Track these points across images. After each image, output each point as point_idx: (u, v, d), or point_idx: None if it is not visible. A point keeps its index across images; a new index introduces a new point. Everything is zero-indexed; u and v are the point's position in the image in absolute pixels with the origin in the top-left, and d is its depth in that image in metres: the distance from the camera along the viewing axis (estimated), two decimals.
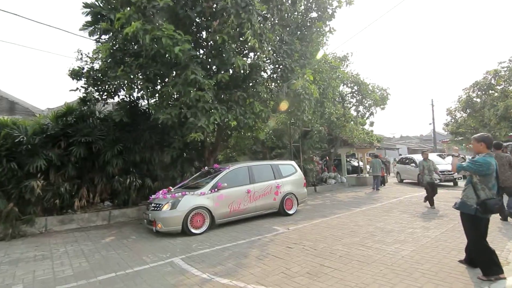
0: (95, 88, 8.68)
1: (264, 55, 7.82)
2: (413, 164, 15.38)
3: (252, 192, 7.41)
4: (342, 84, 15.40)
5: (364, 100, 15.37)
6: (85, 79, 8.60)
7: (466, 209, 3.70)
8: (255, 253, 4.90)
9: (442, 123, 26.76)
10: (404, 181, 16.45)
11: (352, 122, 16.94)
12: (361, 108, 15.36)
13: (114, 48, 7.68)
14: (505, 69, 12.86)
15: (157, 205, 6.42)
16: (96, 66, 8.88)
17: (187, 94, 6.61)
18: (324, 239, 5.61)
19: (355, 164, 21.00)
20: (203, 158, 10.47)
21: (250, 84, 8.71)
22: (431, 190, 8.56)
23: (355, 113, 15.52)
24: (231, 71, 8.01)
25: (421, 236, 5.50)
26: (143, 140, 8.46)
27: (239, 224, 7.22)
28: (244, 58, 7.60)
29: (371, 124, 19.22)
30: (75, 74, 8.69)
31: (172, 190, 7.05)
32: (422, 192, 12.03)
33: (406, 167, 16.04)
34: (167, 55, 6.59)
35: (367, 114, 15.37)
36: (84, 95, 8.43)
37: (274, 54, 8.63)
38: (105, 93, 9.11)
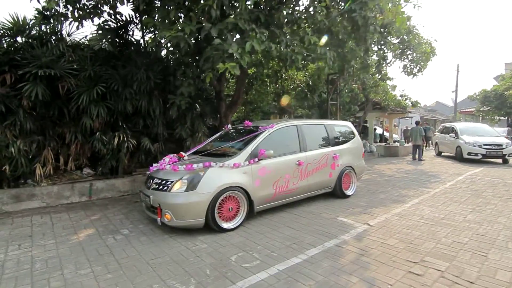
0: None
1: None
2: (453, 135, 12.52)
3: (304, 164, 4.92)
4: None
5: (409, 52, 12.36)
6: None
7: None
8: None
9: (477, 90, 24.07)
10: (442, 154, 14.04)
11: (386, 81, 14.20)
12: (407, 62, 12.42)
13: None
14: None
15: (163, 182, 3.89)
16: None
17: None
18: (456, 252, 3.26)
19: (379, 131, 18.62)
20: (217, 115, 7.82)
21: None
22: None
23: (400, 69, 12.53)
24: None
25: None
26: (138, 81, 5.66)
27: (284, 211, 4.84)
28: None
29: (393, 88, 16.41)
30: None
31: (186, 157, 4.47)
32: (480, 168, 9.82)
33: (445, 138, 13.52)
34: None
35: (415, 70, 12.46)
36: (44, 4, 5.41)
37: None
38: (80, 11, 6.10)
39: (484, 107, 24.54)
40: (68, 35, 5.66)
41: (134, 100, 5.71)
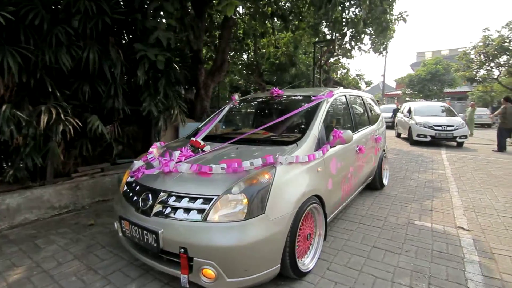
0: None
1: None
2: (407, 114, 11.26)
3: (363, 150, 3.49)
4: None
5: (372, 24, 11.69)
6: None
7: None
8: None
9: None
10: (401, 135, 12.56)
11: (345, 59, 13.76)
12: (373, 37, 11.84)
13: None
14: None
15: (186, 201, 1.91)
16: None
17: None
18: None
19: None
20: (193, 85, 5.71)
21: None
22: None
23: (366, 45, 11.82)
24: None
25: None
26: (81, 16, 3.17)
27: (338, 220, 3.38)
28: None
29: (342, 67, 16.30)
30: None
31: (207, 147, 2.48)
32: (443, 149, 9.61)
33: (402, 118, 11.90)
34: None
35: (382, 47, 12.07)
36: None
37: None
38: None
39: (409, 90, 27.35)
40: None
41: (75, 49, 3.22)
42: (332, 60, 13.17)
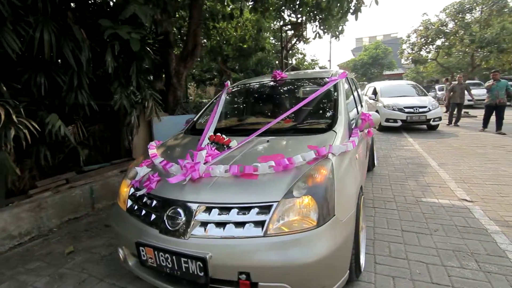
0: None
1: None
2: (373, 96, 9.82)
3: (371, 132, 3.40)
4: None
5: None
6: None
7: None
8: None
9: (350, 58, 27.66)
10: None
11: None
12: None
13: None
14: None
15: (236, 213, 1.50)
16: None
17: None
18: None
19: None
20: (166, 70, 5.06)
21: None
22: None
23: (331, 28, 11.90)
24: None
25: None
26: None
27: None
28: None
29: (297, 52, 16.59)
30: None
31: (233, 142, 2.04)
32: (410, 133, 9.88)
33: (368, 101, 10.08)
34: None
35: (339, 28, 12.28)
36: None
37: None
38: None
39: (353, 74, 29.11)
40: None
41: (23, 26, 2.42)
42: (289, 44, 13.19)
